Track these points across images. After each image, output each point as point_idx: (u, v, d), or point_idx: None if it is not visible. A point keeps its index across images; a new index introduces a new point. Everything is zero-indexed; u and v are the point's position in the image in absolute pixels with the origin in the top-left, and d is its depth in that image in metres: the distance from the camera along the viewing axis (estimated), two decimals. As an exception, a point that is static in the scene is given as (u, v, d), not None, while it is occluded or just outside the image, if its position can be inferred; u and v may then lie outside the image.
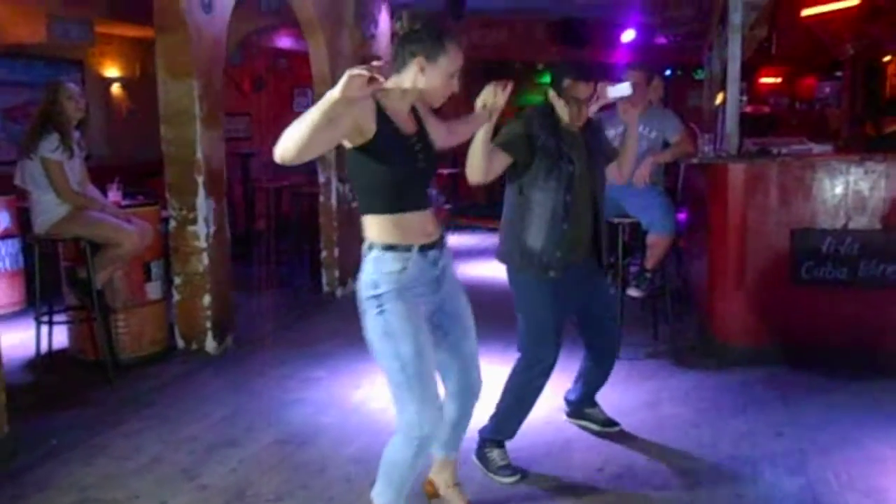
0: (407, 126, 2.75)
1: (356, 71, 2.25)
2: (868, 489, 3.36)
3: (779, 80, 15.89)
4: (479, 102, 3.01)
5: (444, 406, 2.92)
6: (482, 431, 3.64)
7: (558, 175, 3.46)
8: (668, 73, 13.81)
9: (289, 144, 2.35)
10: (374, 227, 2.74)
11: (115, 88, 9.43)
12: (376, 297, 2.70)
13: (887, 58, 13.11)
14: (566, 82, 3.49)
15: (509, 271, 3.61)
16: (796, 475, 3.50)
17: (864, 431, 3.94)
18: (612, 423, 4.07)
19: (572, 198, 3.48)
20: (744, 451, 3.78)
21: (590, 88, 3.50)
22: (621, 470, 3.61)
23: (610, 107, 3.93)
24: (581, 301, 3.74)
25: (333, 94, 2.28)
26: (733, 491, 3.38)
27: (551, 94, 3.57)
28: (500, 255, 3.64)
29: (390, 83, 2.73)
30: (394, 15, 9.44)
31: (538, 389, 3.61)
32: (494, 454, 3.59)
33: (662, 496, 3.37)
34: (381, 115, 2.64)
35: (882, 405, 4.27)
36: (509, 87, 2.95)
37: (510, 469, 3.55)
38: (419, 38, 2.72)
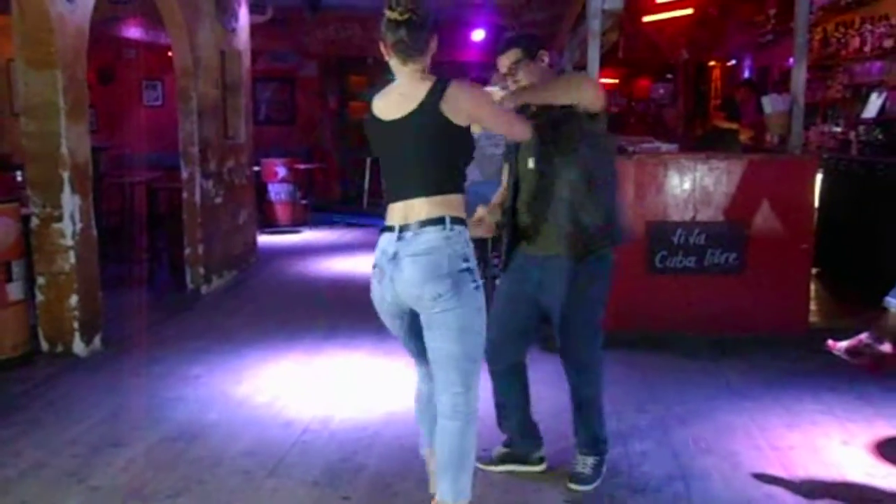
0: None
1: None
2: (724, 453, 3.75)
3: (616, 80, 16.84)
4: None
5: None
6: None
7: (512, 161, 3.40)
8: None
9: None
10: (458, 204, 2.73)
11: (-53, 77, 8.80)
12: (469, 270, 2.68)
13: (712, 63, 14.23)
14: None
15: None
16: (662, 444, 3.86)
17: (716, 405, 4.37)
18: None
19: (522, 186, 3.34)
20: (612, 425, 4.06)
21: (503, 61, 3.29)
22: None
23: None
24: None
25: None
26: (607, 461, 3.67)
27: None
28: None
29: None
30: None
31: None
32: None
33: (544, 469, 3.65)
34: None
35: (729, 382, 4.73)
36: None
37: None
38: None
